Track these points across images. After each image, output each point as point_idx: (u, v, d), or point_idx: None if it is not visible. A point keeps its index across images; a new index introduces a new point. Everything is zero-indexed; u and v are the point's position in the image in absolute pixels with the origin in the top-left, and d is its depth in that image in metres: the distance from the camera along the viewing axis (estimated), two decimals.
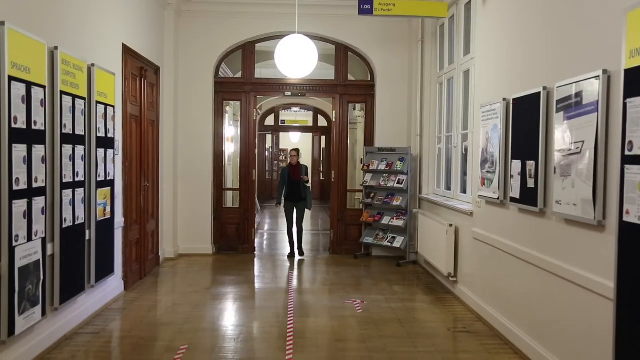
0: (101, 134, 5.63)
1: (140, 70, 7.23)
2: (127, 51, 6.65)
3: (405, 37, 8.95)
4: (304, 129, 21.95)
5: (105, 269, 5.80)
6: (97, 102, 5.52)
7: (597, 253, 3.58)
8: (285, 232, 9.66)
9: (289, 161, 9.34)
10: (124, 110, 6.54)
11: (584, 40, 3.85)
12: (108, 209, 5.85)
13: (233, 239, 9.26)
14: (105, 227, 5.80)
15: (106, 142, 5.78)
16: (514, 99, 4.94)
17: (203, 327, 5.35)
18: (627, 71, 3.18)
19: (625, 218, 3.15)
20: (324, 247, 10.08)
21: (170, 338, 4.99)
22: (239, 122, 9.52)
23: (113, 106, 5.99)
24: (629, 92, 3.15)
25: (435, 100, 8.29)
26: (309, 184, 9.27)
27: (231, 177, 11.53)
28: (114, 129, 6.05)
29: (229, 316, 5.87)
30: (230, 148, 11.53)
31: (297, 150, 9.34)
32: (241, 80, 9.31)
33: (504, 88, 5.23)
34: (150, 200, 7.76)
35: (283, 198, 9.21)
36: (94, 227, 5.46)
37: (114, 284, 6.22)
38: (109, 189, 5.87)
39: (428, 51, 8.45)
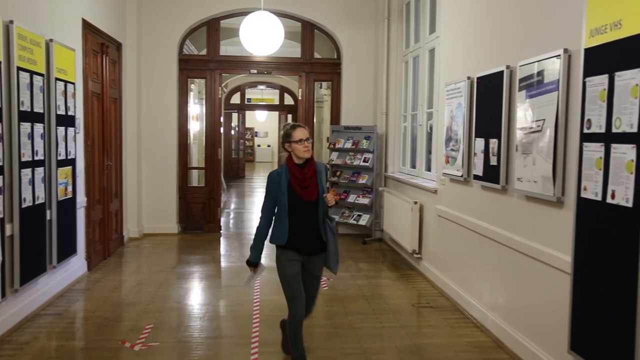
0: (61, 111, 5.49)
1: (101, 47, 7.05)
2: (87, 26, 6.46)
3: (372, 15, 8.93)
4: (270, 108, 21.84)
5: (67, 250, 5.71)
6: (57, 79, 5.37)
7: (556, 229, 3.67)
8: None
9: (295, 155, 3.72)
10: (84, 88, 6.38)
11: (546, 19, 3.90)
12: (69, 188, 5.73)
13: (199, 218, 9.19)
14: (67, 207, 5.68)
15: (67, 120, 5.64)
16: (478, 78, 4.98)
17: (169, 307, 5.32)
18: (586, 50, 3.24)
19: (583, 194, 3.23)
20: None
21: (135, 318, 4.95)
22: (204, 100, 9.39)
23: (73, 83, 5.84)
24: (588, 71, 3.22)
25: (401, 78, 8.31)
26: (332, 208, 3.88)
27: (196, 156, 11.40)
28: (75, 107, 5.91)
29: (195, 295, 5.85)
30: (196, 126, 11.39)
31: (304, 129, 3.78)
32: (206, 58, 9.16)
33: (469, 67, 5.27)
34: (114, 180, 7.63)
35: (278, 246, 3.81)
36: (55, 206, 5.35)
37: (76, 265, 6.13)
38: (70, 168, 5.75)
39: (394, 29, 8.45)
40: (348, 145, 8.84)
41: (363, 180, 8.67)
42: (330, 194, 3.69)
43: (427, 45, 7.07)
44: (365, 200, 8.62)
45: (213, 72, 9.12)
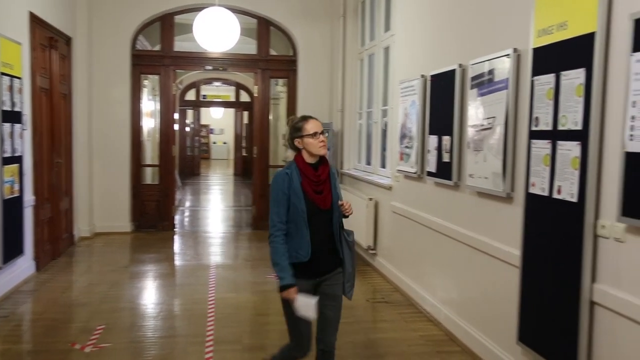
0: (7, 107, 5.31)
1: (49, 41, 6.84)
2: (34, 20, 6.26)
3: (328, 13, 8.94)
4: (226, 104, 21.64)
5: (13, 250, 5.53)
6: (2, 74, 5.19)
7: (506, 223, 3.76)
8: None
9: (309, 151, 3.05)
10: (32, 83, 6.18)
11: (497, 19, 3.98)
12: (16, 186, 5.55)
13: (153, 216, 9.03)
14: (14, 206, 5.50)
15: (13, 116, 5.46)
16: (431, 76, 5.06)
17: (121, 307, 5.22)
18: (534, 50, 3.33)
19: (531, 190, 3.32)
20: (246, 223, 10.02)
21: (86, 319, 4.84)
22: (158, 97, 9.23)
23: (20, 78, 5.66)
24: (536, 70, 3.31)
25: (357, 76, 8.36)
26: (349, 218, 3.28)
27: (150, 153, 11.21)
28: (22, 103, 5.72)
29: (149, 294, 5.75)
30: (150, 123, 11.19)
31: (317, 120, 3.12)
32: (160, 54, 9.00)
33: (422, 65, 5.34)
34: (63, 177, 7.42)
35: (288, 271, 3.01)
36: (1, 205, 5.17)
37: (24, 265, 5.94)
38: (17, 165, 5.56)
39: (350, 27, 8.49)
40: None
41: None
42: (347, 202, 3.12)
43: (382, 43, 7.14)
44: None
45: (167, 68, 8.98)
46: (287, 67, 9.20)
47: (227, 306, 5.22)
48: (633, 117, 2.50)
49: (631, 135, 2.51)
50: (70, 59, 7.77)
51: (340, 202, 3.11)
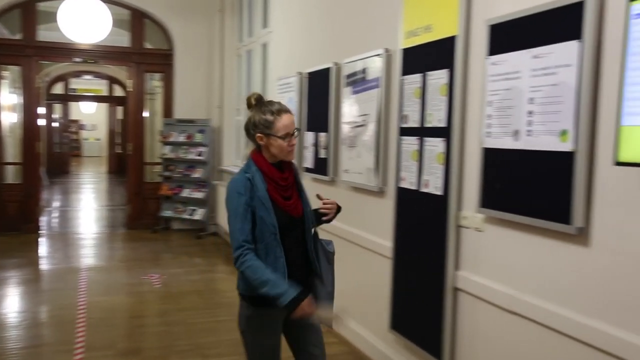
0: None
1: None
2: None
3: (205, 7, 8.78)
4: (98, 99, 20.55)
5: None
6: None
7: (380, 217, 3.92)
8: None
9: (271, 153, 2.45)
10: None
11: (370, 20, 4.12)
12: None
13: (15, 218, 8.37)
14: None
15: None
16: (308, 73, 5.13)
17: None
18: (403, 51, 3.49)
19: (401, 184, 3.49)
20: (121, 222, 9.60)
21: None
22: (21, 90, 8.57)
23: None
24: (405, 70, 3.47)
25: (236, 72, 8.30)
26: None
27: (12, 151, 10.37)
28: None
29: (11, 302, 5.33)
30: (12, 118, 10.35)
31: (292, 115, 2.50)
32: (21, 43, 8.34)
33: (299, 62, 5.41)
34: None
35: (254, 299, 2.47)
36: None
37: None
38: None
39: (228, 22, 8.40)
40: (181, 138, 8.63)
41: (197, 174, 8.53)
42: (330, 207, 2.64)
43: (261, 39, 7.14)
44: (199, 195, 8.49)
45: (30, 58, 8.35)
46: (163, 61, 8.91)
47: (99, 310, 4.98)
48: (489, 116, 2.70)
49: (488, 132, 2.71)
50: None
51: (323, 201, 2.65)
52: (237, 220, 2.35)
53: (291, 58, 5.71)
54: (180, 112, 8.85)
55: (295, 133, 2.43)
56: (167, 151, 8.73)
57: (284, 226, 2.40)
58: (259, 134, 2.41)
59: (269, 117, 2.38)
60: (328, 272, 2.60)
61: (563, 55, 2.28)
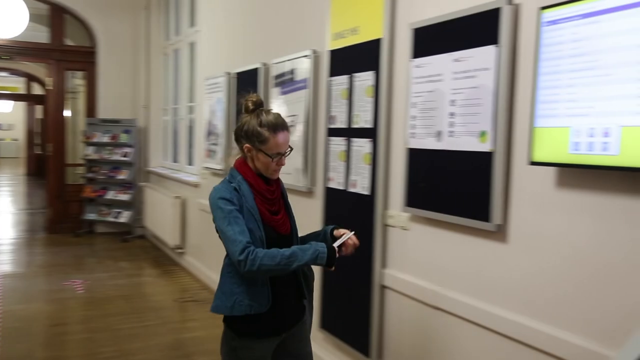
0: None
1: None
2: None
3: (130, 4, 8.54)
4: (15, 97, 19.60)
5: None
6: None
7: (309, 217, 3.93)
8: None
9: (256, 167, 2.25)
10: None
11: (298, 21, 4.14)
12: None
13: None
14: None
15: None
16: (237, 73, 5.09)
17: None
18: (331, 52, 3.53)
19: (329, 184, 3.52)
20: (41, 227, 9.18)
21: None
22: None
23: None
24: (332, 71, 3.51)
25: (162, 71, 8.12)
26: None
27: None
28: None
29: None
30: None
31: (289, 133, 2.30)
32: None
33: (228, 62, 5.36)
34: None
35: (241, 324, 2.22)
36: None
37: None
38: None
39: (154, 20, 8.21)
40: (105, 139, 8.35)
41: (123, 175, 8.28)
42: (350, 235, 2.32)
43: (188, 38, 7.02)
44: (125, 197, 8.24)
45: None
46: (85, 59, 8.59)
47: (17, 319, 4.74)
48: (414, 117, 2.77)
49: (412, 133, 2.78)
50: None
51: (342, 233, 2.32)
52: (233, 224, 2.10)
53: (219, 58, 5.65)
54: (104, 111, 8.56)
55: (287, 152, 2.24)
56: (91, 152, 8.42)
57: (270, 244, 2.16)
58: (247, 145, 2.20)
59: (265, 132, 2.16)
60: (310, 298, 2.43)
61: (482, 59, 2.37)
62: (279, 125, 2.19)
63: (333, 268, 2.17)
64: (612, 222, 1.90)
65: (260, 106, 2.23)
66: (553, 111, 2.00)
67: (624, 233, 1.86)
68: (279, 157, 2.21)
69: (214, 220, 2.17)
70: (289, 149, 2.25)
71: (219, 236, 2.19)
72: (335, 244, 2.20)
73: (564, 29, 1.97)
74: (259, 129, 2.17)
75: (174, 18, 7.63)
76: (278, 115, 2.25)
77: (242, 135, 2.22)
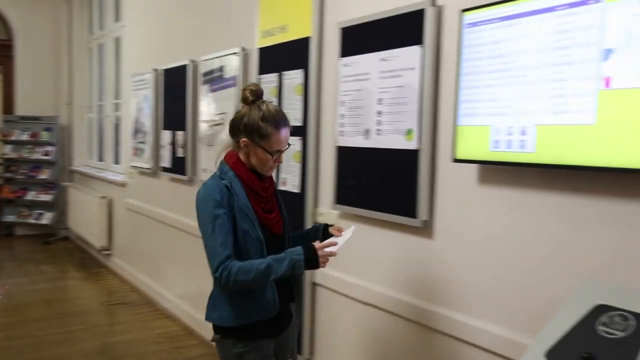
0: None
1: None
2: None
3: None
4: None
5: None
6: None
7: None
8: None
9: (250, 162, 2.11)
10: None
11: (227, 18, 4.09)
12: None
13: None
14: None
15: None
16: (164, 70, 4.98)
17: None
18: (260, 50, 3.51)
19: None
20: None
21: None
22: None
23: None
24: (261, 69, 3.49)
25: (86, 67, 7.83)
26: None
27: None
28: None
29: None
30: None
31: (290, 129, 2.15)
32: None
33: (155, 58, 5.23)
34: None
35: (241, 331, 2.12)
36: None
37: None
38: None
39: (76, 13, 7.90)
40: (25, 137, 7.97)
41: (44, 175, 7.92)
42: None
43: (113, 33, 6.80)
44: (47, 197, 7.89)
45: None
46: (1, 53, 8.15)
47: None
48: (342, 115, 2.80)
49: (341, 131, 2.81)
50: None
51: (337, 228, 2.22)
52: (216, 233, 1.96)
53: (146, 54, 5.51)
54: (23, 108, 8.15)
55: (286, 149, 2.12)
56: (8, 151, 8.01)
57: (266, 243, 2.07)
58: (245, 139, 2.04)
59: (267, 128, 2.02)
60: (298, 301, 2.33)
61: (407, 59, 2.42)
62: (282, 121, 2.06)
63: (324, 266, 2.05)
64: (530, 216, 1.99)
65: (260, 97, 2.08)
66: (475, 110, 2.08)
67: (541, 227, 1.95)
68: (279, 154, 2.09)
69: (198, 218, 2.05)
70: (288, 145, 2.14)
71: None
72: (339, 243, 2.09)
73: (484, 31, 2.04)
74: (260, 123, 2.02)
75: (98, 12, 7.38)
76: (279, 108, 2.14)
77: (240, 129, 2.05)
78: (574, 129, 1.75)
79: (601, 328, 1.43)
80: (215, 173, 2.12)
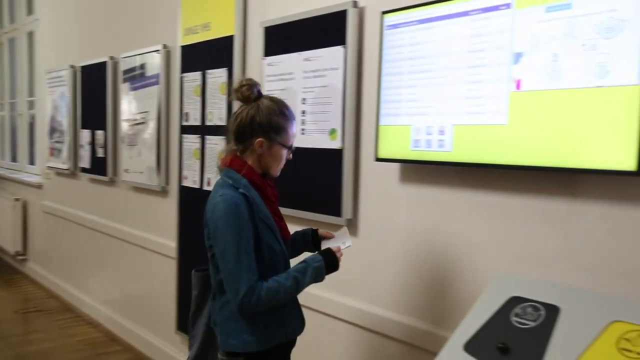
0: None
1: None
2: None
3: None
4: None
5: None
6: None
7: (163, 217, 3.82)
8: None
9: (265, 165, 1.91)
10: None
11: (148, 14, 3.99)
12: None
13: None
14: None
15: None
16: (82, 67, 4.80)
17: None
18: (182, 48, 3.45)
19: (184, 183, 3.45)
20: None
21: None
22: None
23: None
24: (184, 67, 3.43)
25: None
26: None
27: None
28: None
29: None
30: None
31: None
32: None
33: (72, 55, 5.03)
34: None
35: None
36: None
37: None
38: None
39: None
40: None
41: None
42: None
43: (25, 27, 6.48)
44: None
45: None
46: None
47: None
48: None
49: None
50: None
51: (326, 233, 2.09)
52: (242, 254, 1.74)
53: (62, 50, 5.29)
54: None
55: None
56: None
57: (281, 254, 1.91)
58: (261, 139, 1.84)
59: (281, 121, 1.86)
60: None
61: (330, 59, 2.45)
62: (290, 110, 1.92)
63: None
64: (449, 213, 2.06)
65: (260, 92, 1.89)
66: (396, 110, 2.13)
67: (460, 223, 2.03)
68: (291, 149, 1.94)
69: (215, 239, 1.80)
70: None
71: (211, 255, 1.86)
72: (344, 245, 1.99)
73: (404, 33, 2.09)
74: (277, 118, 1.85)
75: (8, 4, 7.01)
76: (283, 100, 1.95)
77: (255, 129, 1.83)
78: (488, 129, 1.83)
79: (515, 319, 1.51)
80: (224, 182, 1.85)
